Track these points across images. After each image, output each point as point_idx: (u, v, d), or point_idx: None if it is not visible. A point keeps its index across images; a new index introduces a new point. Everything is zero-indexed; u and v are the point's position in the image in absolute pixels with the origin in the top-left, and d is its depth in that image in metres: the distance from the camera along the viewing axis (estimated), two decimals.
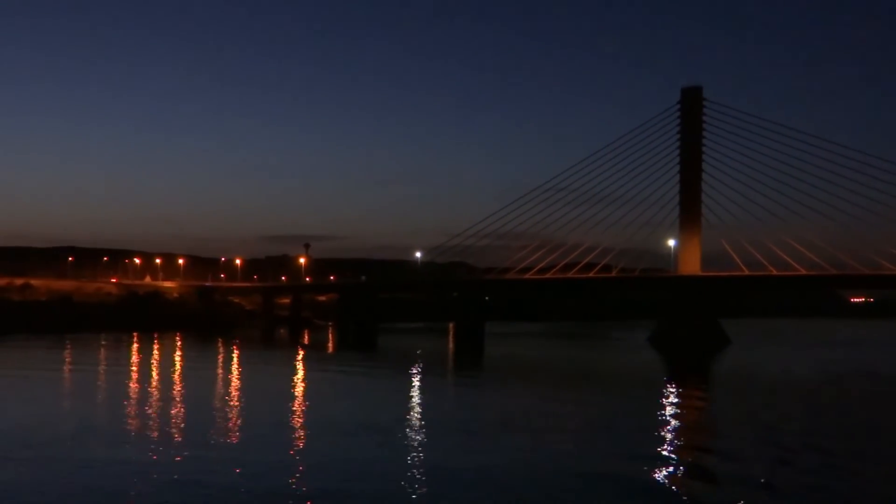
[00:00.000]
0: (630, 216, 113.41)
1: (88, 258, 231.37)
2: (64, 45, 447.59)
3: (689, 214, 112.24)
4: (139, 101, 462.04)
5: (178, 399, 51.20)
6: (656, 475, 29.62)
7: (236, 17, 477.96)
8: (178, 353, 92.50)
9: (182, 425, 40.25)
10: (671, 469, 31.15)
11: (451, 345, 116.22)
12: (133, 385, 57.97)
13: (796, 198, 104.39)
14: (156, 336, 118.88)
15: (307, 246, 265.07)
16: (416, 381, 63.68)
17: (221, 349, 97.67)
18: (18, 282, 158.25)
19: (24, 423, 40.25)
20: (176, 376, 66.02)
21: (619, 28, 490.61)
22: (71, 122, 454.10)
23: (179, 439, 36.39)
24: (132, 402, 49.03)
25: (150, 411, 44.96)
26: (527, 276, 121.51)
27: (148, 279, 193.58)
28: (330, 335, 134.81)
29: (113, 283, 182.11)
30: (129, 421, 41.47)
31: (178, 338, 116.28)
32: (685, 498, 26.70)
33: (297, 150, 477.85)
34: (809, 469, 30.84)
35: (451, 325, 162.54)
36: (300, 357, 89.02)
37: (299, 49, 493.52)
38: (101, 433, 37.56)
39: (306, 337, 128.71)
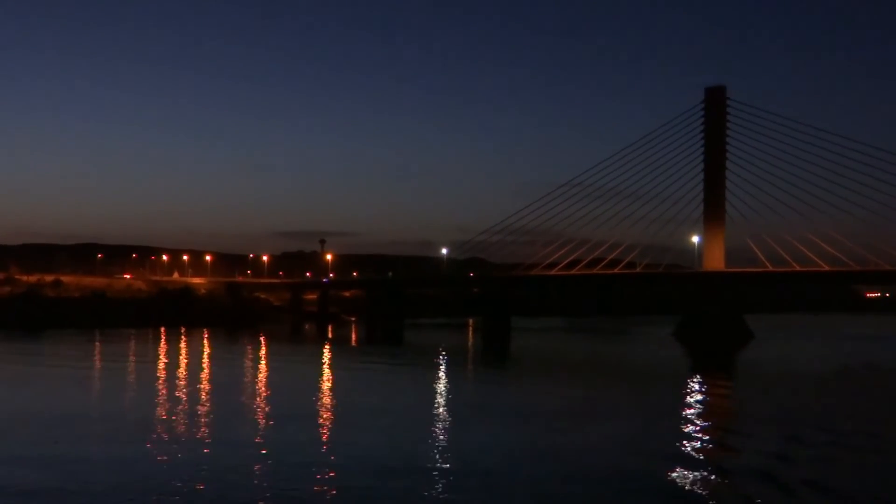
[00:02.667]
0: (655, 213, 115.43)
1: (110, 254, 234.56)
2: (87, 48, 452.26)
3: (713, 211, 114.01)
4: (153, 102, 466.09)
5: (226, 391, 52.46)
6: (682, 466, 30.06)
7: (250, 17, 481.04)
8: (214, 347, 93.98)
9: (229, 417, 41.05)
10: (697, 462, 31.40)
11: (476, 340, 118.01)
12: (172, 378, 59.41)
13: (817, 194, 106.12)
14: (188, 331, 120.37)
15: (322, 242, 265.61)
16: (447, 375, 64.85)
17: (256, 344, 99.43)
18: (49, 278, 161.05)
19: (68, 416, 41.43)
20: (218, 370, 67.13)
21: (643, 27, 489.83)
22: (85, 122, 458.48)
23: (222, 430, 37.19)
24: (172, 394, 50.22)
25: (190, 402, 46.39)
26: (552, 272, 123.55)
27: (176, 275, 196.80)
28: (355, 330, 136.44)
29: (135, 278, 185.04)
30: (170, 412, 42.47)
31: (210, 333, 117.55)
32: (710, 491, 26.89)
33: (306, 147, 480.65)
34: (833, 463, 31.12)
35: (470, 321, 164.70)
36: (332, 352, 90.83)
37: (312, 46, 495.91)
38: (139, 426, 38.28)
39: (335, 332, 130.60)
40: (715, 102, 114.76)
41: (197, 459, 30.88)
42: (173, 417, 40.95)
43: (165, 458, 31.09)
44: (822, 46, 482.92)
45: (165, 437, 35.61)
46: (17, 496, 25.68)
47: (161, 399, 48.00)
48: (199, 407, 44.66)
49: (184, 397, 48.48)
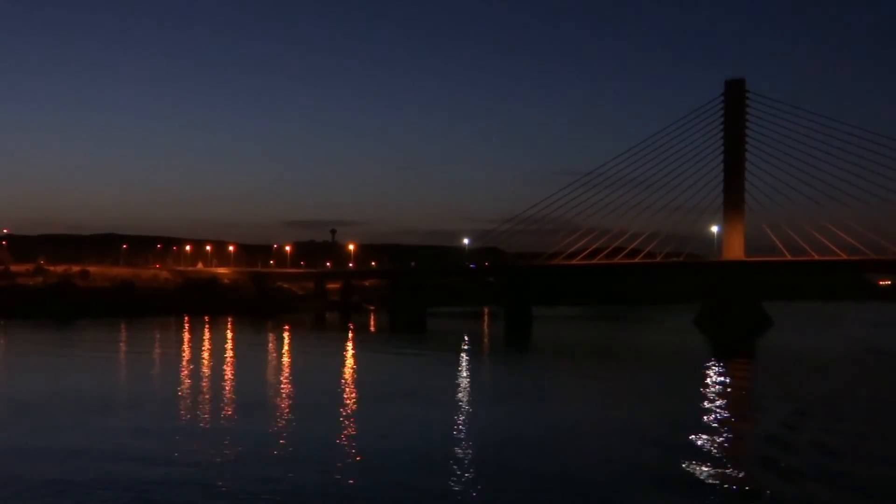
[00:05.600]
0: (675, 203, 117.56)
1: (130, 245, 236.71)
2: (104, 41, 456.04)
3: (733, 201, 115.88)
4: (166, 95, 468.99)
5: (261, 378, 54.10)
6: (702, 454, 30.17)
7: (262, 11, 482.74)
8: (243, 336, 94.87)
9: (267, 403, 42.29)
10: (716, 450, 31.18)
11: (499, 328, 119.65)
12: (208, 365, 60.89)
13: (833, 183, 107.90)
14: (215, 320, 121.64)
15: (333, 232, 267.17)
16: (475, 362, 65.75)
17: (285, 332, 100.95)
18: (76, 269, 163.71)
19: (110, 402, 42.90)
20: (250, 358, 67.76)
21: (665, 19, 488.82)
22: (100, 115, 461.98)
23: (256, 417, 37.86)
24: (208, 381, 51.56)
25: (224, 388, 48.18)
26: (573, 261, 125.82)
27: (200, 265, 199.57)
28: (374, 319, 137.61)
29: (161, 268, 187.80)
30: (202, 398, 43.67)
31: (236, 322, 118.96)
32: (727, 481, 26.60)
33: (314, 137, 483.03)
34: (845, 452, 30.98)
35: (486, 310, 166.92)
36: (360, 339, 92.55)
37: (323, 38, 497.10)
38: (171, 409, 39.96)
39: (358, 320, 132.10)
40: (735, 94, 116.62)
41: (222, 445, 31.53)
42: (205, 404, 41.88)
43: (193, 443, 31.84)
44: (840, 39, 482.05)
45: (195, 422, 36.88)
46: (30, 489, 25.30)
47: (197, 386, 49.24)
48: (230, 394, 45.86)
49: (218, 383, 50.16)
